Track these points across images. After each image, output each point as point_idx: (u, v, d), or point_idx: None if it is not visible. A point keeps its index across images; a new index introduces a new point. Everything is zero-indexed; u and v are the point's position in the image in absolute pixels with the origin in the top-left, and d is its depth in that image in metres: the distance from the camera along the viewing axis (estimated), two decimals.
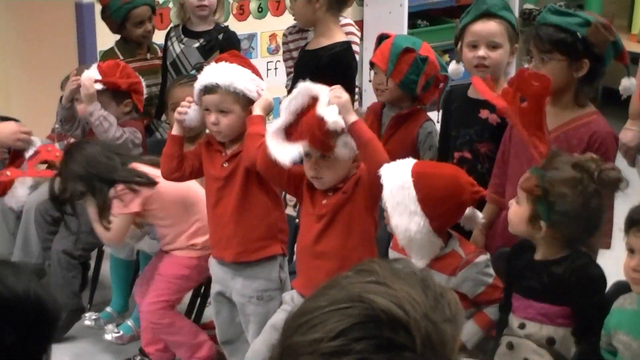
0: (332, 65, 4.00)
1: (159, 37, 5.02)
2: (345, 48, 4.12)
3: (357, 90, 4.87)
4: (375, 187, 2.91)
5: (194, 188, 3.66)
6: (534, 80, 2.83)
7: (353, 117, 2.91)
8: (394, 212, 2.87)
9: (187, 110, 3.35)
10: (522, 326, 2.80)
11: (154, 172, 3.58)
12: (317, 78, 4.02)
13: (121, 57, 4.66)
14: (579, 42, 3.05)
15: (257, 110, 3.26)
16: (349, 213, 3.05)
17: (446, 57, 6.16)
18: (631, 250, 2.49)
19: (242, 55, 3.52)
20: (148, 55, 4.76)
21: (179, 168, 3.44)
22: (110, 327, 4.09)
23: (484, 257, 2.96)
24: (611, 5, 6.86)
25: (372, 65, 3.77)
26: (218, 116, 3.28)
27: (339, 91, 2.94)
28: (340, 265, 2.88)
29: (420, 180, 2.86)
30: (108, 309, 4.10)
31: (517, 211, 2.76)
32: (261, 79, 3.36)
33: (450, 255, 2.94)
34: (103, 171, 3.55)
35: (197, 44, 4.67)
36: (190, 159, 3.45)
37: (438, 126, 3.73)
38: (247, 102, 3.28)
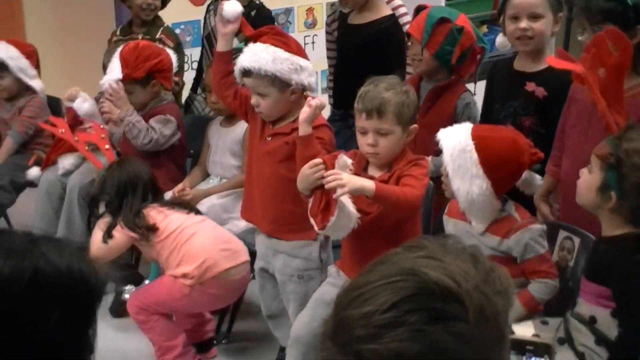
0: (382, 40, 4.01)
1: (195, 14, 5.03)
2: (393, 22, 4.12)
3: None
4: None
5: (186, 224, 3.64)
6: (614, 45, 2.75)
7: (370, 188, 2.81)
8: (455, 175, 2.91)
9: (224, 4, 3.37)
10: (575, 303, 2.80)
11: (171, 214, 3.64)
12: (365, 52, 4.04)
13: (118, 34, 4.83)
14: (630, 10, 2.99)
15: (304, 128, 3.09)
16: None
17: (484, 29, 6.13)
18: None
19: (279, 31, 3.47)
20: (140, 36, 4.74)
21: (227, 88, 3.44)
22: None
23: (540, 226, 2.98)
24: None
25: (408, 36, 3.75)
26: (257, 98, 3.28)
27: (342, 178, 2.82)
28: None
29: (481, 143, 2.90)
30: (146, 281, 4.13)
31: (588, 179, 2.74)
32: (302, 56, 3.29)
33: (506, 219, 2.98)
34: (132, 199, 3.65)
35: None
36: (241, 96, 3.44)
37: (475, 98, 3.72)
38: (283, 83, 3.24)
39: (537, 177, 3.06)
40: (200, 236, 3.59)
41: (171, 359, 3.67)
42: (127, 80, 4.09)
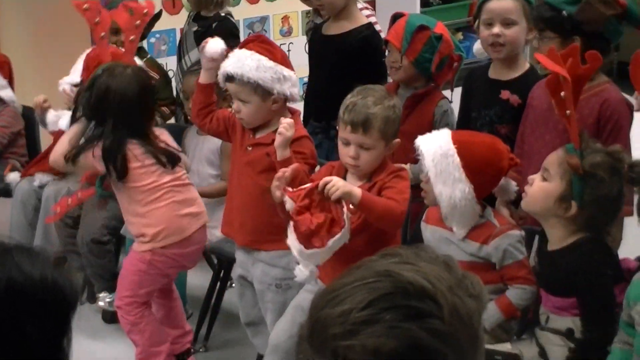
0: (365, 50, 4.01)
1: (170, 23, 5.01)
2: (373, 31, 4.12)
3: None
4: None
5: (158, 182, 3.52)
6: (588, 59, 2.79)
7: (357, 195, 2.82)
8: (438, 180, 2.91)
9: (208, 41, 3.36)
10: (547, 319, 2.83)
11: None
12: (347, 62, 4.02)
13: None
14: (566, 21, 3.06)
15: (281, 152, 3.09)
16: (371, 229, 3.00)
17: (459, 36, 6.15)
18: None
19: (266, 39, 3.45)
20: None
21: (204, 116, 3.42)
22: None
23: (518, 232, 2.99)
24: None
25: (386, 43, 3.76)
26: (239, 104, 3.27)
27: (334, 183, 2.80)
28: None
29: (463, 147, 2.91)
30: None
31: (545, 187, 2.76)
32: (286, 66, 3.27)
33: (485, 225, 2.98)
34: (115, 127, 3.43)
35: (195, 28, 4.68)
36: (218, 118, 3.42)
37: (452, 105, 3.72)
38: (265, 91, 3.22)
39: (513, 183, 3.07)
40: (165, 200, 3.51)
41: None
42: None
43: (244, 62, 3.21)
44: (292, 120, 3.14)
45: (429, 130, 3.15)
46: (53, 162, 3.63)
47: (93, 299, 4.26)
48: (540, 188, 2.78)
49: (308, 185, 2.82)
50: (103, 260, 4.14)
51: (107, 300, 4.12)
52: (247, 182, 3.34)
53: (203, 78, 3.42)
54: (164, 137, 3.61)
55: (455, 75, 3.76)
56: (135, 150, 3.46)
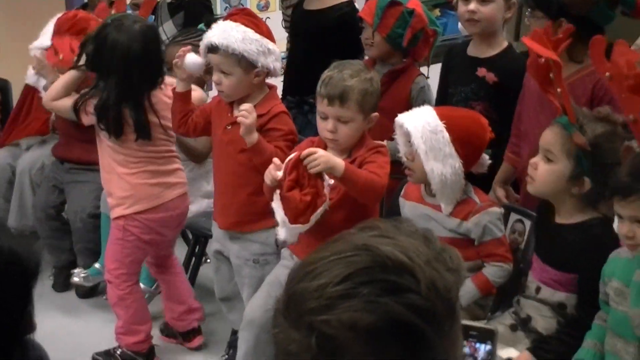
0: (343, 26, 4.01)
1: None
2: (352, 8, 4.11)
3: None
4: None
5: (139, 147, 3.48)
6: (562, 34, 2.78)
7: (340, 167, 2.82)
8: (429, 157, 2.89)
9: (183, 55, 3.32)
10: (537, 290, 2.82)
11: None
12: (324, 38, 4.01)
13: None
14: (553, 3, 3.04)
15: (248, 139, 3.08)
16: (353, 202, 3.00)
17: (437, 12, 6.14)
18: (619, 215, 2.48)
19: (251, 12, 3.41)
20: None
21: (183, 124, 3.39)
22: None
23: (499, 210, 3.00)
24: None
25: (360, 20, 3.75)
26: (220, 76, 3.24)
27: (318, 156, 2.79)
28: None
29: (451, 123, 2.90)
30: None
31: (554, 169, 2.72)
32: (271, 40, 3.24)
33: (466, 201, 2.98)
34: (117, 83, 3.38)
35: (169, 0, 4.65)
36: (196, 115, 3.40)
37: (429, 81, 3.72)
38: (248, 64, 3.19)
39: (486, 157, 3.07)
40: (137, 168, 3.49)
41: (131, 343, 3.65)
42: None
43: (230, 33, 3.17)
44: (250, 106, 3.10)
45: (406, 107, 3.14)
46: (46, 103, 3.61)
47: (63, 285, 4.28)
48: (549, 171, 2.72)
49: (292, 156, 2.81)
50: (94, 234, 4.12)
51: (82, 275, 4.11)
52: (229, 162, 3.32)
53: (180, 87, 3.37)
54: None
55: (431, 51, 3.76)
56: (126, 112, 3.41)
